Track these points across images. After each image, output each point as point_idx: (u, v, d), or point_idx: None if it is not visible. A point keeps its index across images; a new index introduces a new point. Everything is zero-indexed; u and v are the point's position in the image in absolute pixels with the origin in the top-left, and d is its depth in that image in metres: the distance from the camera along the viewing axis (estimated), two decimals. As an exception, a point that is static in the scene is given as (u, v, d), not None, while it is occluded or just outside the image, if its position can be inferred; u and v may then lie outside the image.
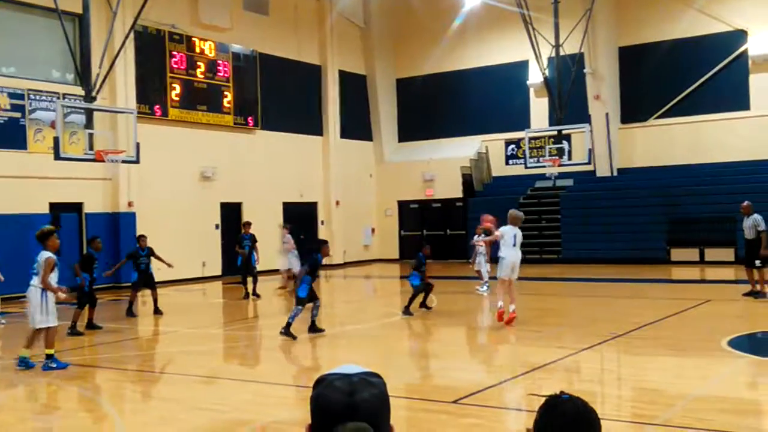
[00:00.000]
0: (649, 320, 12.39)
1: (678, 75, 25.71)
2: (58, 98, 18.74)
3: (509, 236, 12.32)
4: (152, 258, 15.41)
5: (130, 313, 14.93)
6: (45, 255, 9.61)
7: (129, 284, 16.08)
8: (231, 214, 24.28)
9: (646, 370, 9.03)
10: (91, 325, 13.22)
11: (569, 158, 23.94)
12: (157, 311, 15.16)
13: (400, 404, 7.25)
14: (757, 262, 14.59)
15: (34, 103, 19.21)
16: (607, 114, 26.06)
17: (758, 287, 14.70)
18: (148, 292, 15.56)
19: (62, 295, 9.71)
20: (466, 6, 27.66)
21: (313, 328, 12.02)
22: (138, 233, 17.14)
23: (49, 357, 9.67)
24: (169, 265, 15.56)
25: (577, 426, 1.91)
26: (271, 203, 25.57)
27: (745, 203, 15.18)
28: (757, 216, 14.82)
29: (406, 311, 13.79)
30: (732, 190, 22.00)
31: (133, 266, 15.28)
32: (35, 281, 9.61)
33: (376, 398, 1.67)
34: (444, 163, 28.80)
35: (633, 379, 8.75)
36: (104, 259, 20.27)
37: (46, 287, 9.56)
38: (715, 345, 10.23)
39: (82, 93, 16.15)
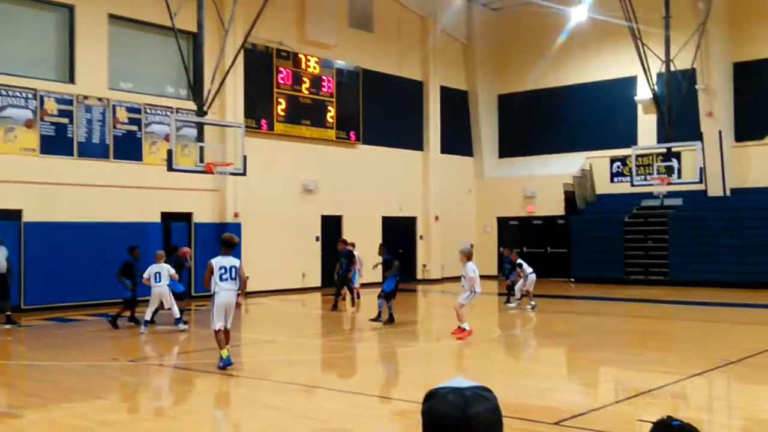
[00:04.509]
0: (765, 348, 11.75)
1: (798, 91, 24.40)
2: (172, 113, 19.61)
3: (474, 271, 13.28)
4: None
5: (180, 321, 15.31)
6: (238, 261, 10.37)
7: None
8: (331, 226, 24.68)
9: (761, 400, 8.56)
10: (132, 319, 15.04)
11: (678, 177, 23.12)
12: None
13: (499, 423, 7.12)
14: None
15: (150, 117, 20.15)
16: (720, 131, 24.99)
17: None
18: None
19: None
20: (572, 21, 27.21)
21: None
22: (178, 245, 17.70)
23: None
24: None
25: None
26: (371, 217, 25.83)
27: None
28: None
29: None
30: None
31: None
32: (234, 285, 10.15)
33: (490, 412, 1.65)
34: (546, 180, 28.34)
35: (747, 409, 8.30)
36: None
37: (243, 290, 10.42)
38: (838, 377, 9.58)
39: (194, 107, 16.83)
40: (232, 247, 10.39)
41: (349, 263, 18.32)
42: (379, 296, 15.37)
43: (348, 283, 18.63)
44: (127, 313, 15.13)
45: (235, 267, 10.20)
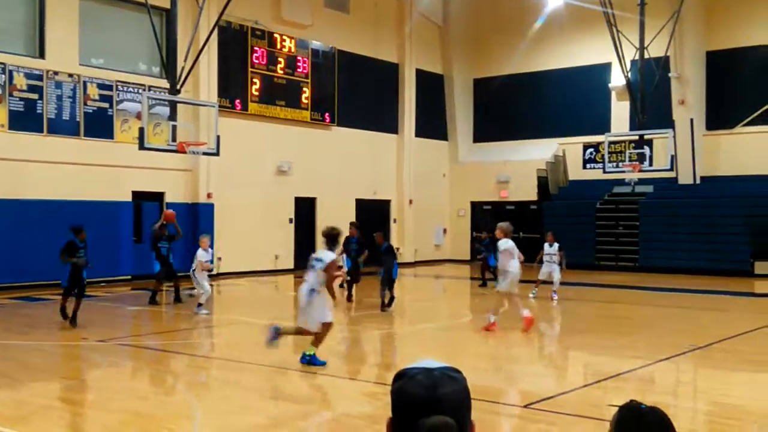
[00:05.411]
0: (731, 334, 11.95)
1: (768, 81, 24.72)
2: (144, 90, 19.33)
3: (513, 249, 12.06)
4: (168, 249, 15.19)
5: (153, 301, 15.10)
6: (328, 256, 9.16)
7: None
8: (305, 208, 24.59)
9: (726, 385, 8.71)
10: (68, 316, 12.55)
11: (650, 164, 23.34)
12: (177, 299, 15.30)
13: (469, 405, 7.16)
14: None
15: (122, 94, 19.87)
16: (691, 120, 25.26)
17: None
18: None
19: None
20: (549, 6, 27.24)
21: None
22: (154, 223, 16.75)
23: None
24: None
25: None
26: (345, 199, 25.77)
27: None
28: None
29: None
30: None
31: (156, 256, 15.09)
32: (311, 278, 9.11)
33: (458, 393, 1.65)
34: (519, 165, 28.46)
35: (712, 393, 8.45)
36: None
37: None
38: (801, 363, 9.78)
39: (167, 86, 16.63)
40: (332, 240, 9.28)
41: (360, 251, 16.67)
42: (391, 287, 15.01)
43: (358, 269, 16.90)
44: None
45: (321, 261, 9.05)
